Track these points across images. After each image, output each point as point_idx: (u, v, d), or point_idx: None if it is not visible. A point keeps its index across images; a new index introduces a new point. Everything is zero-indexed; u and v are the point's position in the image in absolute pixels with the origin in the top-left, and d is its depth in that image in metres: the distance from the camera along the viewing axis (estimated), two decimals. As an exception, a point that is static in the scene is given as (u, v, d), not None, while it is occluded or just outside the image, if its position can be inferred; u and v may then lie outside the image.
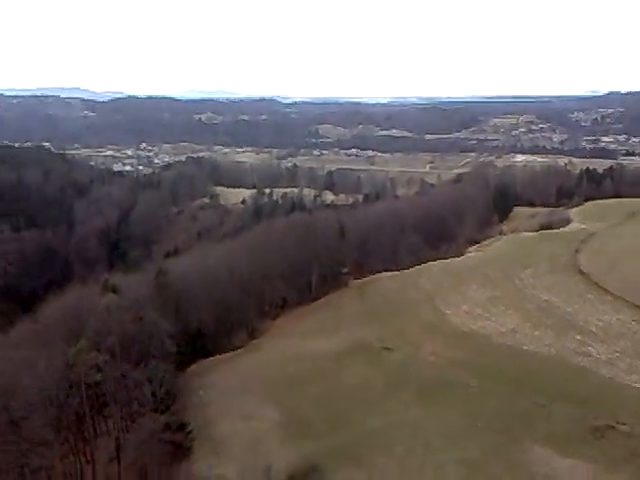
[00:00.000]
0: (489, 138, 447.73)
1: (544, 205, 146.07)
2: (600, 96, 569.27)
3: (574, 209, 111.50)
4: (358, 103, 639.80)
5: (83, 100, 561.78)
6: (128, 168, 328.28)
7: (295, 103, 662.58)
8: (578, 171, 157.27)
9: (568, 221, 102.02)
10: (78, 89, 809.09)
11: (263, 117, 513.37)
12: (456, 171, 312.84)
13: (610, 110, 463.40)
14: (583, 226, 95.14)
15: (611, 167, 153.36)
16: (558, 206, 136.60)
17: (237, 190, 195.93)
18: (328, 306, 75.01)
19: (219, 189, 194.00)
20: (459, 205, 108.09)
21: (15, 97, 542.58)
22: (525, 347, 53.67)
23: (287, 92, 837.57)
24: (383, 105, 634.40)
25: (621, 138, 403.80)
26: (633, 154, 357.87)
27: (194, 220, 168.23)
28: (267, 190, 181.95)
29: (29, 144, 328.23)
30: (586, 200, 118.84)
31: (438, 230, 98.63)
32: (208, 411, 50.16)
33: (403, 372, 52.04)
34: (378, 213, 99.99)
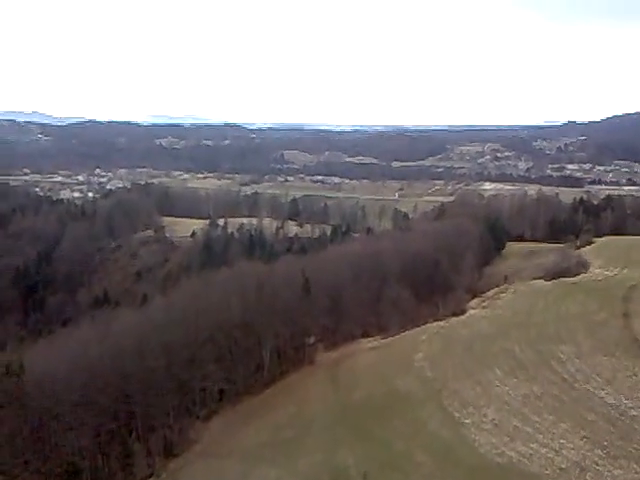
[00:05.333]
0: (456, 166, 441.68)
1: (535, 240, 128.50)
2: (559, 126, 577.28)
3: (586, 248, 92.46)
4: (324, 130, 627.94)
5: (39, 124, 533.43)
6: (76, 194, 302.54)
7: (260, 129, 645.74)
8: (571, 201, 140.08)
9: (584, 265, 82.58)
10: (37, 113, 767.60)
11: (226, 142, 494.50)
12: (427, 198, 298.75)
13: (572, 139, 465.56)
14: (609, 273, 75.80)
15: (609, 196, 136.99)
16: (554, 241, 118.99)
17: (189, 221, 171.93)
18: (286, 397, 52.58)
19: (168, 220, 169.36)
20: (452, 244, 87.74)
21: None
22: (608, 502, 32.41)
23: (253, 118, 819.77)
24: (349, 132, 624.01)
25: (586, 166, 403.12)
26: (599, 182, 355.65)
27: (133, 257, 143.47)
28: (222, 221, 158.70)
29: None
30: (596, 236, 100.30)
31: (429, 277, 77.72)
32: None
33: None
34: (352, 256, 78.39)
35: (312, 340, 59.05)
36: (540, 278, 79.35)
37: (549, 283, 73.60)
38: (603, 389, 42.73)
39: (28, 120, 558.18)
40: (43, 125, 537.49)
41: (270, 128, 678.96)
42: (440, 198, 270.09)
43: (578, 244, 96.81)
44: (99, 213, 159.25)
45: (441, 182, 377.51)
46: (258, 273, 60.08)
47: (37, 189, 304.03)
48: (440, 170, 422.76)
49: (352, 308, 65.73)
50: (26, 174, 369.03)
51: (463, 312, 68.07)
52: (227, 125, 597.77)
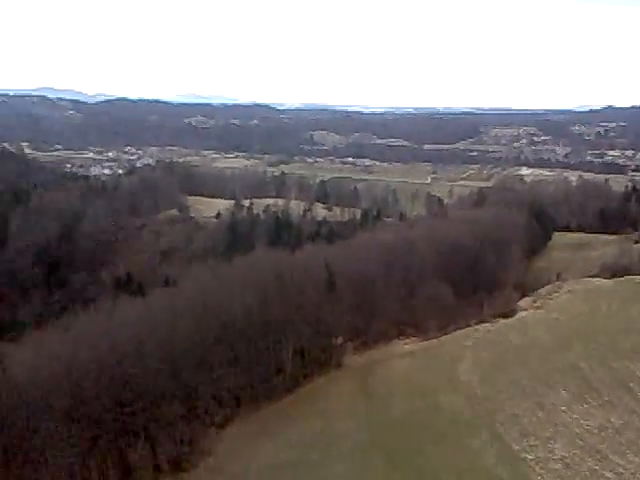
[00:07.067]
0: (490, 150, 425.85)
1: (582, 230, 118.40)
2: (597, 110, 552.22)
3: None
4: (353, 111, 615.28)
5: (71, 101, 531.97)
6: (106, 171, 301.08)
7: (289, 109, 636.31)
8: (623, 189, 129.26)
9: (649, 261, 73.29)
10: (71, 91, 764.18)
11: (255, 122, 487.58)
12: (461, 183, 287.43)
13: (612, 124, 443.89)
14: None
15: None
16: (605, 233, 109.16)
17: (215, 201, 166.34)
18: (311, 406, 45.99)
19: (192, 199, 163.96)
20: (495, 234, 79.03)
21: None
22: None
23: (281, 99, 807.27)
24: (379, 114, 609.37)
25: (628, 153, 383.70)
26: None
27: (157, 237, 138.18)
28: (247, 201, 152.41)
29: (6, 144, 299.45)
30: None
31: (470, 271, 69.57)
32: None
33: None
34: (383, 245, 70.56)
35: (340, 340, 52.16)
36: (596, 276, 70.86)
37: (610, 282, 64.88)
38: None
39: (59, 97, 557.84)
40: (74, 101, 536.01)
41: (299, 109, 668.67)
42: (475, 183, 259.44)
43: (638, 237, 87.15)
44: (121, 190, 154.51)
45: (476, 166, 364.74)
46: (278, 263, 53.08)
47: (69, 165, 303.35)
48: (474, 154, 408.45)
49: (384, 304, 58.35)
50: (58, 150, 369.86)
51: (513, 313, 60.12)
52: (256, 105, 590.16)
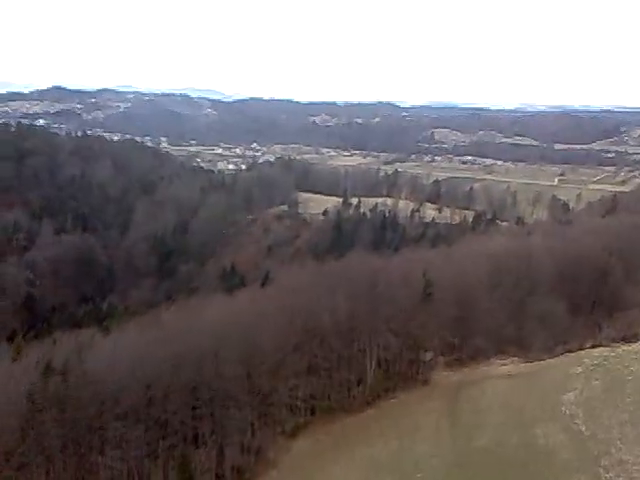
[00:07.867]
0: (630, 151, 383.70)
1: None
2: None
3: None
4: (480, 108, 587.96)
5: (209, 100, 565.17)
6: (231, 167, 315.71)
7: (413, 107, 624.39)
8: None
9: None
10: (212, 91, 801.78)
11: (376, 120, 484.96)
12: (593, 187, 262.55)
13: None
14: None
15: None
16: None
17: (325, 198, 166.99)
18: (389, 424, 42.75)
19: (304, 196, 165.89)
20: (627, 247, 69.44)
21: (148, 95, 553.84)
22: None
23: (407, 97, 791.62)
24: (507, 112, 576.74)
25: None
26: None
27: (266, 231, 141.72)
28: (356, 200, 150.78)
29: (147, 138, 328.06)
30: None
31: (592, 288, 61.59)
32: None
33: None
34: (492, 253, 64.84)
35: (430, 356, 48.16)
36: None
37: None
38: None
39: (200, 96, 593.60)
40: (212, 101, 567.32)
41: (423, 106, 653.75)
42: (609, 187, 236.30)
43: None
44: (239, 185, 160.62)
45: (611, 168, 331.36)
46: (372, 268, 50.16)
47: (198, 160, 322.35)
48: (611, 155, 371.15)
49: (485, 319, 53.07)
50: (191, 145, 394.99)
51: (637, 338, 52.15)
52: (380, 103, 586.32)
